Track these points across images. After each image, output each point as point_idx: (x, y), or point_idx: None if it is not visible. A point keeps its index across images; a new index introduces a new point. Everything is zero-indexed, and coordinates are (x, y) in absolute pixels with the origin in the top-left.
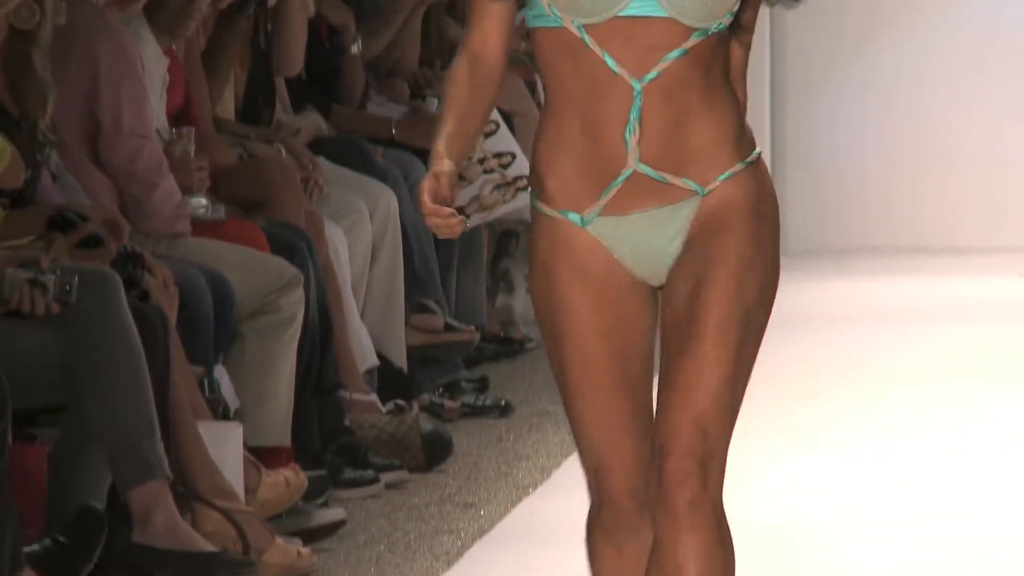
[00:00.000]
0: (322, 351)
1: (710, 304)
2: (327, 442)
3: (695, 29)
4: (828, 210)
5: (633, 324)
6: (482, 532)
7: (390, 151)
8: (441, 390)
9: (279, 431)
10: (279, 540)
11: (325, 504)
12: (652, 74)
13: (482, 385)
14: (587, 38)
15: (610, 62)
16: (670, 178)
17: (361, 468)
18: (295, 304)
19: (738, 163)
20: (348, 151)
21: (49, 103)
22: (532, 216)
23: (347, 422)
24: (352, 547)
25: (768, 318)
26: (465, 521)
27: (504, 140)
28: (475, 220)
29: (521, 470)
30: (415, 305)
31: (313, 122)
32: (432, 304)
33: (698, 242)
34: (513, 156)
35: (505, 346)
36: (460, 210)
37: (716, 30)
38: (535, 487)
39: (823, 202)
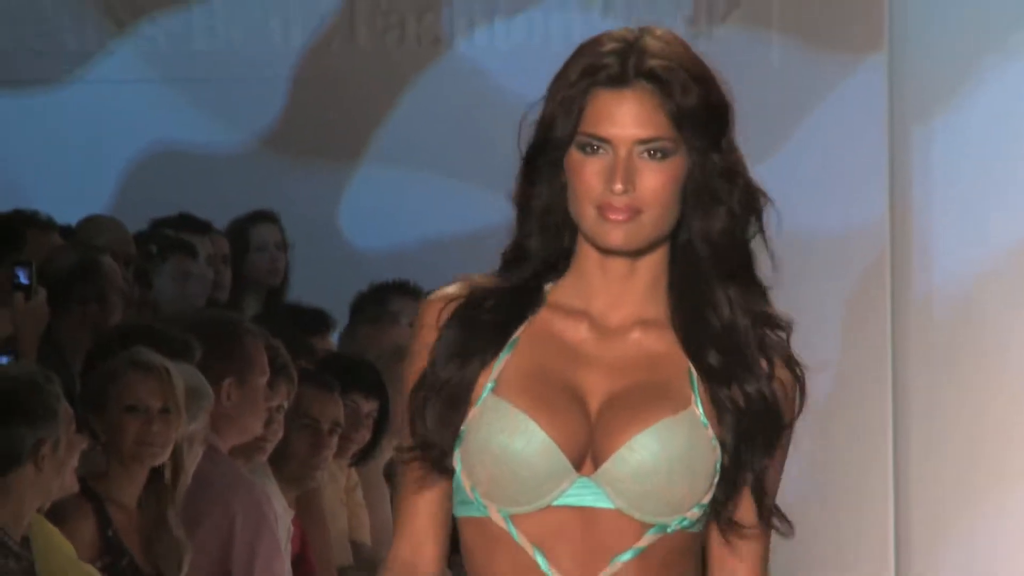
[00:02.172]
0: None
1: None
2: None
3: (650, 525)
4: None
5: None
6: None
7: None
8: None
9: None
10: None
11: None
12: None
13: None
14: (515, 532)
15: (542, 564)
16: None
17: None
18: None
19: None
20: None
21: (185, 562)
22: None
23: None
24: None
25: None
26: None
27: None
28: None
29: None
30: None
31: None
32: None
33: None
34: None
35: None
36: None
37: (679, 527)
38: None
39: None
